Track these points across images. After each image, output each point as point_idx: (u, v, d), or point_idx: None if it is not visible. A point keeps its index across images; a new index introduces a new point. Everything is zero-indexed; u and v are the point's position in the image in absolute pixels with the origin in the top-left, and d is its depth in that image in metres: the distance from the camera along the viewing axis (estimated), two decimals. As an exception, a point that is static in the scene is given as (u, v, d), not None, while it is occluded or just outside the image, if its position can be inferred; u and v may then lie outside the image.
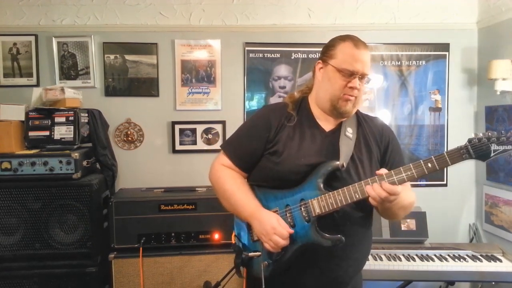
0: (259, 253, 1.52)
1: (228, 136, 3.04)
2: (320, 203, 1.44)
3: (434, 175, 3.11)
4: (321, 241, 1.44)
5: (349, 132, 1.56)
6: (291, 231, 1.46)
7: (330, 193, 1.44)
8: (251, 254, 1.53)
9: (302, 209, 1.47)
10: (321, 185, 1.46)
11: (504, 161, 2.81)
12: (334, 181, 1.48)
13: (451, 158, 1.35)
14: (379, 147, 1.60)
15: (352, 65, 1.47)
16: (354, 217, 1.51)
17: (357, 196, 1.42)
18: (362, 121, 1.63)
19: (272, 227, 1.45)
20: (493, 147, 1.32)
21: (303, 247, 1.47)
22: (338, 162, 1.46)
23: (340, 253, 1.48)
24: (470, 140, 1.35)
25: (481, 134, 1.34)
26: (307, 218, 1.46)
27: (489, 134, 1.33)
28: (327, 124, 1.58)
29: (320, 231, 1.45)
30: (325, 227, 1.45)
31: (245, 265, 1.58)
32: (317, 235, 1.44)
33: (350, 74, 1.48)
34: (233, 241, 1.66)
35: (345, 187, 1.43)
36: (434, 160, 1.37)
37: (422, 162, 1.38)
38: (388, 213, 1.54)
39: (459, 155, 1.35)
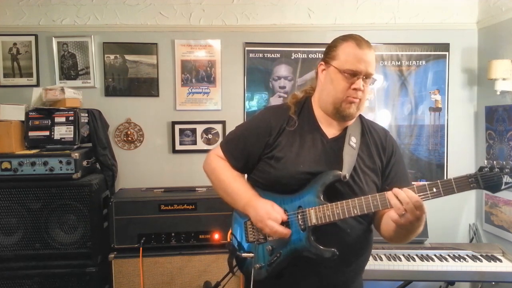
0: (252, 254, 1.50)
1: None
2: (318, 213, 1.40)
3: (434, 175, 3.12)
4: (314, 252, 1.40)
5: (353, 141, 1.50)
6: (285, 217, 1.43)
7: (328, 204, 1.39)
8: (244, 254, 1.51)
9: (299, 216, 1.43)
10: (321, 195, 1.42)
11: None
12: (334, 191, 1.44)
13: (457, 186, 1.26)
14: (381, 159, 1.54)
15: (355, 66, 1.42)
16: (356, 223, 1.47)
17: (355, 212, 1.36)
18: (367, 130, 1.57)
19: (267, 212, 1.43)
20: (506, 179, 1.20)
21: (296, 253, 1.44)
22: (340, 173, 1.41)
23: (341, 259, 1.42)
24: (481, 169, 1.25)
25: (494, 163, 1.24)
26: (302, 226, 1.42)
27: (503, 163, 1.22)
28: (330, 129, 1.53)
29: (314, 242, 1.40)
30: (326, 233, 1.42)
31: (237, 265, 1.57)
32: (311, 245, 1.40)
33: (353, 75, 1.42)
34: (228, 239, 1.64)
35: (344, 201, 1.38)
36: (440, 186, 1.28)
37: (427, 186, 1.30)
38: (401, 233, 1.41)
39: (466, 183, 1.26)
